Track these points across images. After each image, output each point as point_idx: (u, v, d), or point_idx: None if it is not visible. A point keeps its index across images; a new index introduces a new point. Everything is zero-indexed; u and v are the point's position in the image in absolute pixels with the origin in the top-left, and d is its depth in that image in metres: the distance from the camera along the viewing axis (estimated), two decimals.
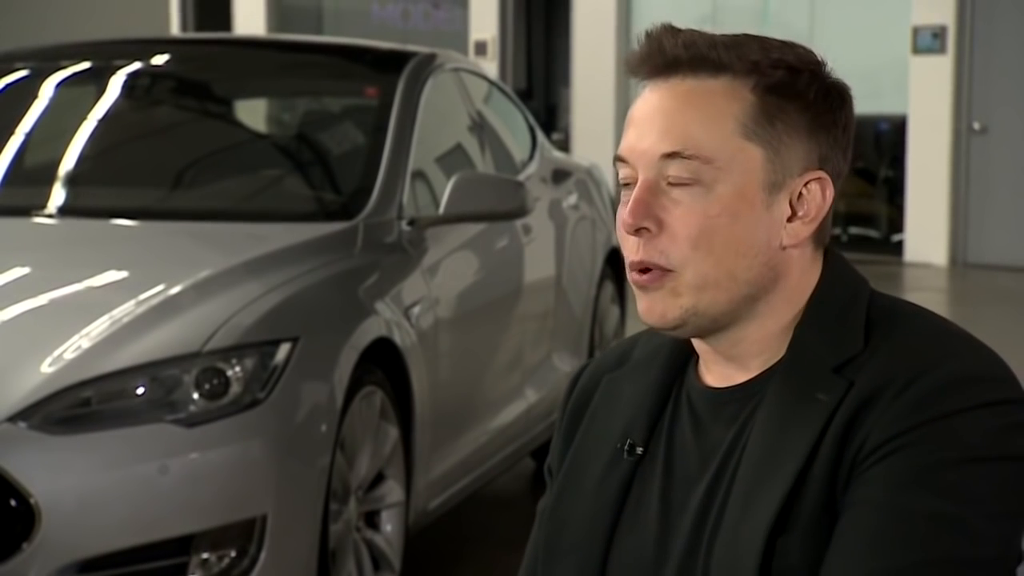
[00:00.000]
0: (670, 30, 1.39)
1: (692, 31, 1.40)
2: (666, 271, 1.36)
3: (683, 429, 1.44)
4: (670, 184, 1.36)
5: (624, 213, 1.37)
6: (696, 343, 1.45)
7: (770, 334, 1.40)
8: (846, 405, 1.32)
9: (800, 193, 1.38)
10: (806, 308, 1.40)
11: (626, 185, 1.40)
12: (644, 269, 1.37)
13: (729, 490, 1.36)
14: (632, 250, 1.38)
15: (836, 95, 1.40)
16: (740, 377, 1.41)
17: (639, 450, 1.46)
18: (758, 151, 1.36)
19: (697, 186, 1.35)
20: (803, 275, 1.40)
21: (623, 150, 1.39)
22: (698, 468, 1.41)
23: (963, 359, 1.33)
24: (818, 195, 1.39)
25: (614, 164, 1.42)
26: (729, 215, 1.35)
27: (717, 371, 1.43)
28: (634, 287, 1.40)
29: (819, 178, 1.39)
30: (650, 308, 1.38)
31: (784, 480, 1.31)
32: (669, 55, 1.37)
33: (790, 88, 1.37)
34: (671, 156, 1.36)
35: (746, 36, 1.41)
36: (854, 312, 1.38)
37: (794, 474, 1.31)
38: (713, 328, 1.39)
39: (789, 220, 1.38)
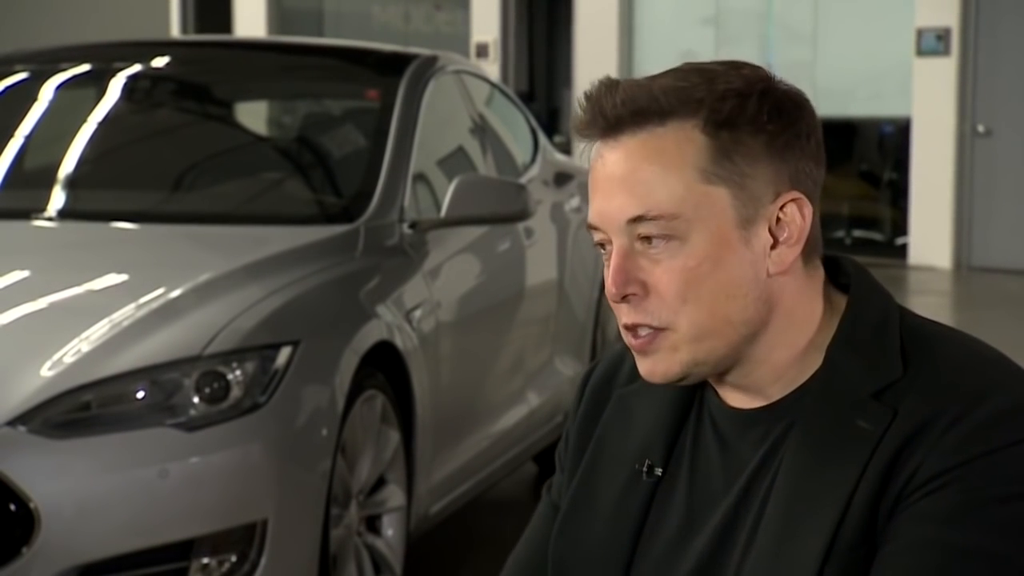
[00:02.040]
0: (608, 88, 1.36)
1: (630, 84, 1.36)
2: (660, 330, 1.36)
3: (708, 449, 1.43)
4: (644, 244, 1.35)
5: (608, 282, 1.37)
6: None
7: (782, 362, 1.38)
8: (891, 435, 1.30)
9: (778, 218, 1.35)
10: (837, 329, 1.37)
11: (602, 246, 1.39)
12: (637, 332, 1.36)
13: (761, 513, 1.35)
14: (623, 314, 1.37)
15: (791, 107, 1.36)
16: (761, 400, 1.40)
17: (658, 471, 1.44)
18: (723, 191, 1.34)
19: (671, 241, 1.34)
20: (800, 297, 1.38)
21: (593, 217, 1.39)
22: (723, 487, 1.40)
23: (1008, 389, 1.32)
24: (796, 216, 1.36)
25: (588, 230, 1.42)
26: (711, 262, 1.34)
27: (735, 396, 1.42)
28: (631, 348, 1.39)
29: (794, 199, 1.35)
30: (652, 370, 1.37)
31: (831, 512, 1.30)
32: (611, 116, 1.35)
33: (740, 117, 1.33)
34: (637, 220, 1.34)
35: (688, 69, 1.37)
36: (888, 333, 1.37)
37: (841, 506, 1.30)
38: (717, 372, 1.39)
39: (772, 247, 1.35)
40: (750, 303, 1.35)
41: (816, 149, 1.38)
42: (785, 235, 1.35)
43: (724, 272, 1.34)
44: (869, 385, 1.33)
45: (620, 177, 1.35)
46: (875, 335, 1.36)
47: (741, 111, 1.33)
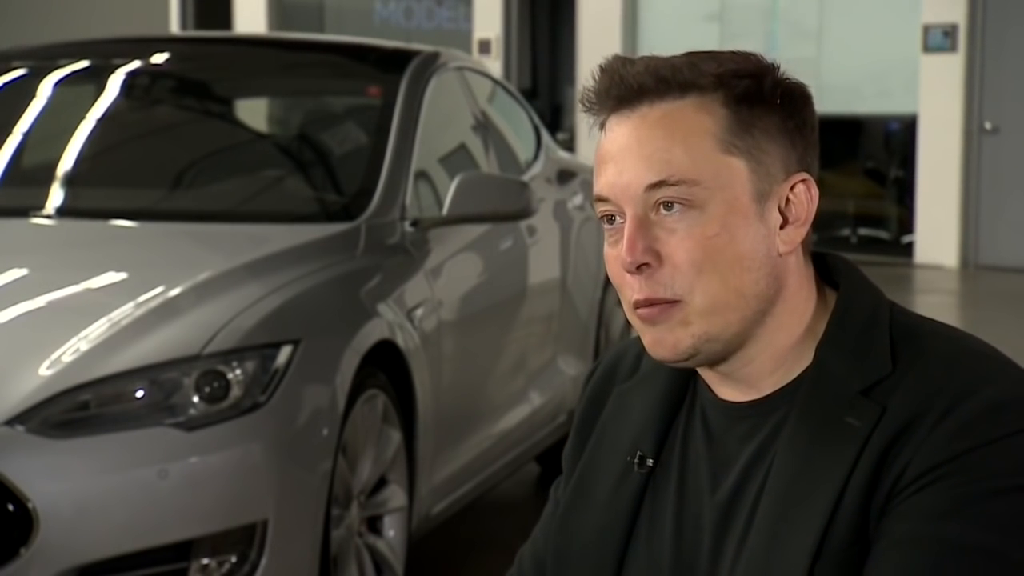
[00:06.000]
0: (626, 60, 1.37)
1: (648, 57, 1.37)
2: (673, 303, 1.34)
3: (696, 441, 1.43)
4: (660, 214, 1.34)
5: (620, 253, 1.35)
6: (700, 369, 1.42)
7: (781, 350, 1.38)
8: (880, 432, 1.30)
9: (788, 198, 1.37)
10: (827, 325, 1.38)
11: (609, 220, 1.37)
12: (648, 304, 1.35)
13: (754, 512, 1.35)
14: (634, 288, 1.35)
15: (799, 95, 1.39)
16: (753, 393, 1.39)
17: (649, 462, 1.44)
18: (741, 163, 1.34)
19: (690, 210, 1.33)
20: (801, 283, 1.39)
21: (603, 189, 1.37)
22: (709, 482, 1.40)
23: (998, 383, 1.31)
24: (805, 197, 1.37)
25: (592, 204, 1.40)
26: (727, 232, 1.34)
27: (728, 388, 1.41)
28: (637, 323, 1.37)
29: (804, 180, 1.37)
30: (659, 340, 1.36)
31: (821, 510, 1.30)
32: (634, 83, 1.35)
33: (758, 95, 1.35)
34: (657, 186, 1.33)
35: (701, 54, 1.39)
36: (877, 330, 1.37)
37: (831, 505, 1.30)
38: (725, 353, 1.37)
39: (782, 227, 1.36)
40: (762, 277, 1.35)
41: (816, 141, 1.40)
42: (794, 215, 1.37)
43: (740, 244, 1.34)
44: (857, 382, 1.33)
45: (637, 147, 1.35)
46: (864, 332, 1.36)
47: (758, 89, 1.35)
